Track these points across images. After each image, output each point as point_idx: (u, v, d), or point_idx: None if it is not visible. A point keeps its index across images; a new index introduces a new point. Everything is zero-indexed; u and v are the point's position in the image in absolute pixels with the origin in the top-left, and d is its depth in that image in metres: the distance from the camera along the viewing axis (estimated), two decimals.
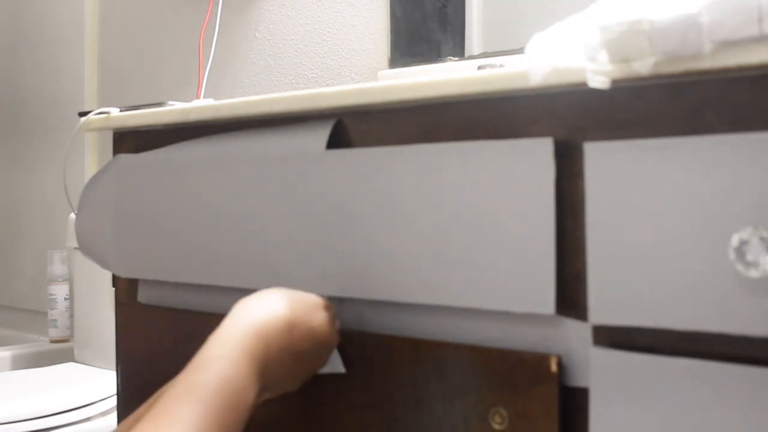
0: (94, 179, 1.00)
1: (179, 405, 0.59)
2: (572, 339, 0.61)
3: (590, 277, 0.58)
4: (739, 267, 0.51)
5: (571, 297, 0.61)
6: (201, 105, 0.89)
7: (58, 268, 1.96)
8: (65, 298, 1.96)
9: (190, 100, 1.21)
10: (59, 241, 2.11)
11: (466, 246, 0.65)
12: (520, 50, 1.20)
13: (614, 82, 0.55)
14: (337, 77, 1.51)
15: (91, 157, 2.07)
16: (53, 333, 1.97)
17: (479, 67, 1.07)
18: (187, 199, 0.88)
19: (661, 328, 0.55)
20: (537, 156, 0.61)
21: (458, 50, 1.31)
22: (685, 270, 0.54)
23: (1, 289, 2.35)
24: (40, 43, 2.23)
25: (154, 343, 0.92)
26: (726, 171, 0.52)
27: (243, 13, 1.68)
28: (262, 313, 0.66)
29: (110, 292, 1.70)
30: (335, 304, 0.76)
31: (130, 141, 0.99)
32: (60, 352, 1.94)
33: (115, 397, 1.27)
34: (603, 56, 0.55)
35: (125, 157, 0.96)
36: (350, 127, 0.76)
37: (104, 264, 0.99)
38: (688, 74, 0.53)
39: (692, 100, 0.55)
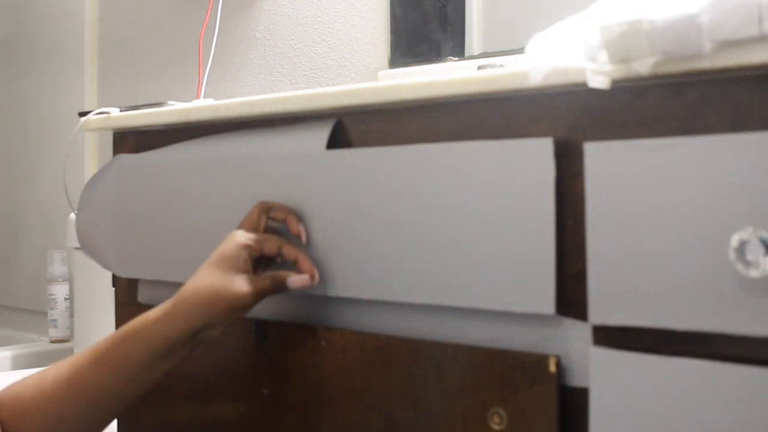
0: (94, 179, 1.00)
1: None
2: (572, 339, 0.61)
3: (590, 277, 0.58)
4: (739, 267, 0.51)
5: (571, 297, 0.61)
6: (201, 105, 0.89)
7: (58, 268, 1.96)
8: (65, 298, 1.96)
9: (190, 100, 1.21)
10: (59, 241, 2.11)
11: (466, 246, 0.65)
12: (520, 50, 1.19)
13: (614, 82, 0.55)
14: (337, 77, 1.51)
15: (91, 157, 2.07)
16: (53, 333, 1.96)
17: (479, 67, 1.07)
18: (187, 199, 0.88)
19: (661, 328, 0.55)
20: (537, 156, 0.61)
21: (458, 50, 1.31)
22: (685, 270, 0.54)
23: (1, 289, 2.35)
24: (40, 43, 2.23)
25: None
26: (726, 171, 0.52)
27: (243, 13, 1.68)
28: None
29: (110, 292, 1.70)
30: (336, 303, 0.76)
31: (130, 141, 0.99)
32: (60, 352, 1.93)
33: None
34: (603, 56, 0.55)
35: (125, 157, 0.96)
36: (350, 127, 0.76)
37: (104, 264, 0.99)
38: (688, 74, 0.53)
39: (692, 100, 0.55)
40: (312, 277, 0.73)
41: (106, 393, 0.73)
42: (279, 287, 0.73)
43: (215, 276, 0.71)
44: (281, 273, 0.73)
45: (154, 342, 0.71)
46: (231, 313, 0.71)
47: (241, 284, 0.71)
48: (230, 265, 0.71)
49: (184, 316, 0.71)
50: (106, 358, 0.73)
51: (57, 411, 0.73)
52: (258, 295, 0.72)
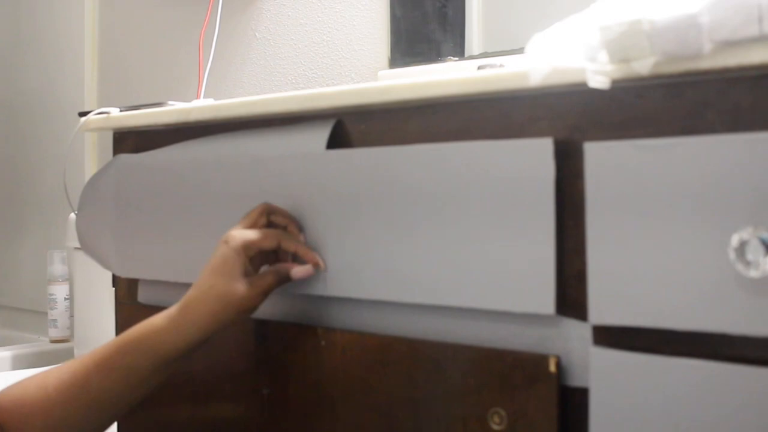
0: (94, 179, 1.00)
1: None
2: (572, 339, 0.61)
3: (590, 277, 0.58)
4: (739, 267, 0.51)
5: (571, 297, 0.61)
6: (201, 105, 0.89)
7: (58, 268, 1.96)
8: (65, 298, 1.96)
9: (190, 100, 1.21)
10: (59, 241, 2.11)
11: (466, 246, 0.65)
12: (520, 50, 1.19)
13: (614, 82, 0.55)
14: (337, 77, 1.51)
15: (91, 157, 2.07)
16: (53, 333, 1.96)
17: (479, 67, 1.07)
18: (187, 199, 0.88)
19: (661, 328, 0.55)
20: (537, 156, 0.61)
21: (458, 50, 1.31)
22: (685, 270, 0.54)
23: (1, 289, 2.35)
24: (40, 43, 2.23)
25: None
26: (726, 171, 0.52)
27: (243, 13, 1.68)
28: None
29: (110, 292, 1.70)
30: (336, 303, 0.76)
31: (130, 141, 0.99)
32: (60, 352, 1.93)
33: None
34: (603, 56, 0.55)
35: (125, 157, 0.96)
36: (350, 127, 0.76)
37: (104, 264, 0.99)
38: (688, 74, 0.53)
39: (692, 100, 0.55)
40: (316, 264, 0.73)
41: (111, 398, 0.74)
42: (283, 280, 0.73)
43: (220, 283, 0.71)
44: (283, 266, 0.74)
45: (161, 351, 0.72)
46: (239, 316, 0.72)
47: (246, 287, 0.71)
48: (232, 268, 0.71)
49: (192, 324, 0.71)
50: (110, 364, 0.73)
51: (61, 414, 0.73)
52: (264, 294, 0.72)
